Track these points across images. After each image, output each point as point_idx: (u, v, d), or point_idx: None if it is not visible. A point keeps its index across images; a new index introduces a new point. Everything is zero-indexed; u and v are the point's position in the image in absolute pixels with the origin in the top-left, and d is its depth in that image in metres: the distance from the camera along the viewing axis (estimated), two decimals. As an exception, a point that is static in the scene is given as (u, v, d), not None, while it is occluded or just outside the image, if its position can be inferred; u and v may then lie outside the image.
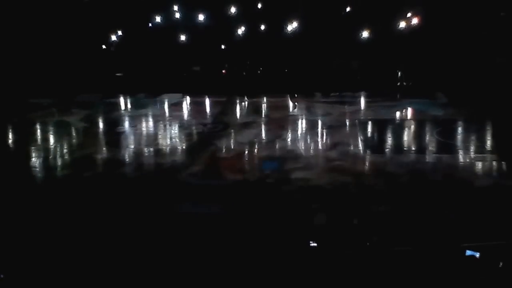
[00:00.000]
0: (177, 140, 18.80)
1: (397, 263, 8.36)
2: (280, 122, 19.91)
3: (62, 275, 8.77)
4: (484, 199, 12.54)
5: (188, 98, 24.56)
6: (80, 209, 12.58)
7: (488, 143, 17.09)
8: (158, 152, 17.37)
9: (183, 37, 26.39)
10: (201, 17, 26.32)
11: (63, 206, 12.86)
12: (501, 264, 7.74)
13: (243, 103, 23.62)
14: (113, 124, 20.73)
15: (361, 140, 17.74)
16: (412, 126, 19.79)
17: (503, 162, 15.03)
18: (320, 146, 17.78)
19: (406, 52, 24.03)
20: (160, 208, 12.63)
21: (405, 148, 17.42)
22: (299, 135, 19.11)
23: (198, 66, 26.30)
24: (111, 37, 26.71)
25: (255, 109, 22.36)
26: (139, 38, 26.35)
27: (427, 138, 17.99)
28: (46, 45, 25.37)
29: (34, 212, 12.45)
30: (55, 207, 12.76)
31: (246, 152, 17.08)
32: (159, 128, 20.47)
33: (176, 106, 23.35)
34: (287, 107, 22.62)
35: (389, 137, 18.34)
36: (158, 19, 26.72)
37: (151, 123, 21.06)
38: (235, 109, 23.11)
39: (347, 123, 19.68)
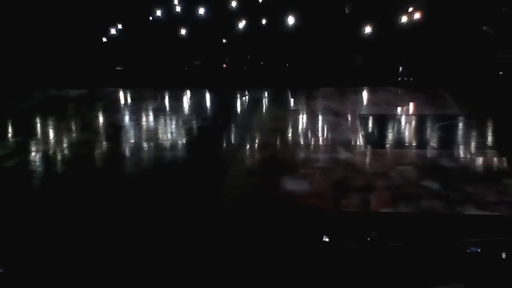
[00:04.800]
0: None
1: (398, 258, 8.37)
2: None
3: (64, 268, 8.76)
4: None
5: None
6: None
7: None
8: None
9: (183, 31, 26.32)
10: (201, 10, 26.24)
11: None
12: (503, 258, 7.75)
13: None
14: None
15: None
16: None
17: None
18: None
19: (408, 47, 23.95)
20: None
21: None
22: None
23: (198, 60, 26.24)
24: (111, 31, 26.64)
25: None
26: (139, 31, 26.26)
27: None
28: (45, 38, 25.36)
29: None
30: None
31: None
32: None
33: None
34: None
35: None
36: (158, 12, 26.64)
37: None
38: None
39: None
